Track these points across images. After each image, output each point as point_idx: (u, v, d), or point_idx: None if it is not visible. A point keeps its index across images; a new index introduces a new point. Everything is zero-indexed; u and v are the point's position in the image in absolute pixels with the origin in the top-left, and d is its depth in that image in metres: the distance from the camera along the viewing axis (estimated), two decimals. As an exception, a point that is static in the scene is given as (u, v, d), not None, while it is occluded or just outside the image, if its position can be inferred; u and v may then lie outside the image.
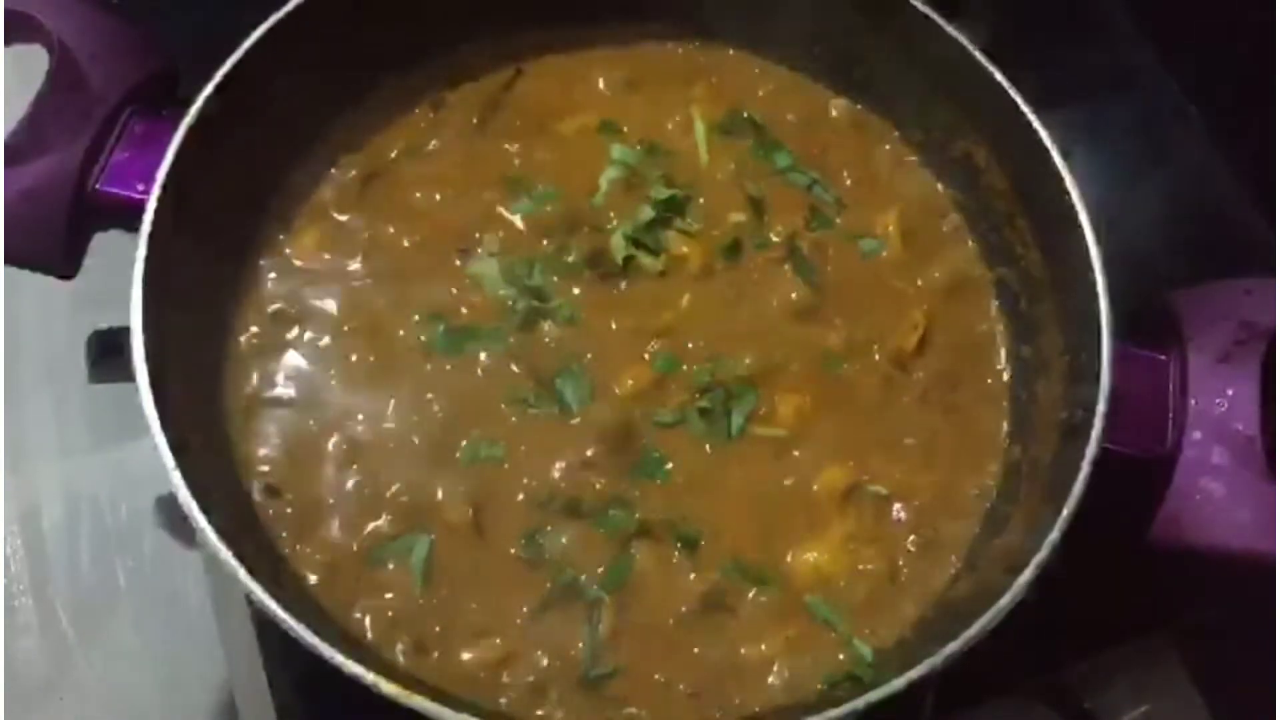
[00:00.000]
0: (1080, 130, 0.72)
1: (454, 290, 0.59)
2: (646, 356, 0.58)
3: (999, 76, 0.58)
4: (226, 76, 0.55)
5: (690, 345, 0.58)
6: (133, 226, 0.52)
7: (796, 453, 0.57)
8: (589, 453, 0.55)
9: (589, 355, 0.58)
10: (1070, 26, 0.82)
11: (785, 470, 0.56)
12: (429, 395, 0.56)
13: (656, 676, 0.52)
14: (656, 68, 0.67)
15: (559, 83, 0.66)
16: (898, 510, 0.56)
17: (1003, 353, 0.61)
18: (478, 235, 0.60)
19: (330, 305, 0.59)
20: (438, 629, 0.52)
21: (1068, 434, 0.54)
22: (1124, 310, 0.54)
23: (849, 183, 0.64)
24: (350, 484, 0.54)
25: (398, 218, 0.61)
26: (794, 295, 0.60)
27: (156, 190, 0.52)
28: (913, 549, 0.56)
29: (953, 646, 0.46)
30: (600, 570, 0.53)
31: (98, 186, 0.56)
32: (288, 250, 0.60)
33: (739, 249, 0.61)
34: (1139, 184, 0.79)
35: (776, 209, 0.63)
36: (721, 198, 0.63)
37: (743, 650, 0.53)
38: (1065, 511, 0.49)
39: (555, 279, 0.59)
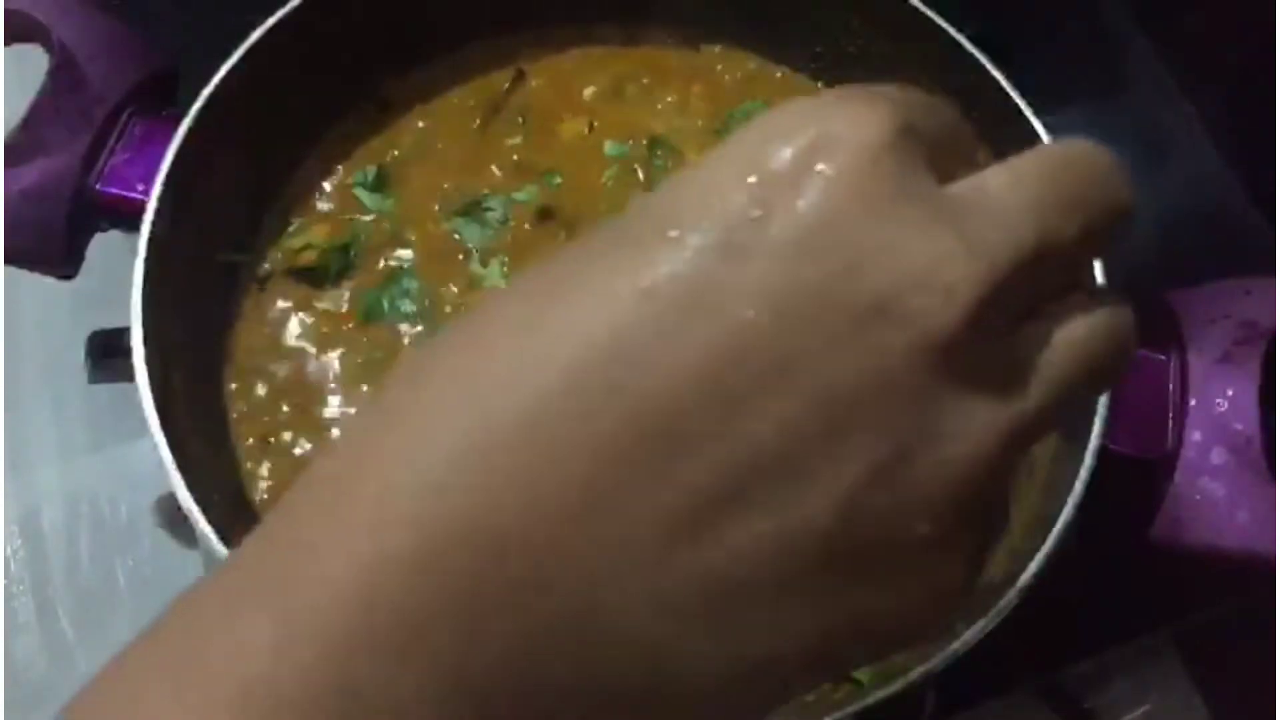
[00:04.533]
0: (1080, 130, 0.71)
1: (454, 288, 0.59)
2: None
3: (999, 76, 0.58)
4: (227, 77, 0.55)
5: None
6: (133, 226, 0.52)
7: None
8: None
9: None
10: (1070, 26, 0.82)
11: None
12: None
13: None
14: (657, 68, 0.67)
15: (561, 84, 0.66)
16: (898, 510, 0.56)
17: (1003, 353, 0.61)
18: (479, 237, 0.60)
19: (333, 304, 0.59)
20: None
21: (1068, 434, 0.54)
22: (1124, 310, 0.54)
23: (849, 183, 0.64)
24: (350, 484, 0.54)
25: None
26: (794, 295, 0.60)
27: (156, 190, 0.52)
28: (913, 549, 0.56)
29: (953, 647, 0.46)
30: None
31: (98, 187, 0.56)
32: (289, 250, 0.60)
33: (739, 249, 0.61)
34: (1139, 184, 0.78)
35: (776, 209, 0.63)
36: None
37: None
38: (1065, 512, 0.49)
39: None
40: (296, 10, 0.57)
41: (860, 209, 0.20)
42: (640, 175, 0.63)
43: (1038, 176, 0.24)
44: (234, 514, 0.52)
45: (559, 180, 0.62)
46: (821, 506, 0.20)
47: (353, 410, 0.56)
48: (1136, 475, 0.55)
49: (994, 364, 0.21)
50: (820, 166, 0.21)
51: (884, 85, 0.24)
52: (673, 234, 0.21)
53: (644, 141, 0.63)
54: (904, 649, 0.23)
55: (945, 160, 0.23)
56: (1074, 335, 0.23)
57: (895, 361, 0.20)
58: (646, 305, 0.20)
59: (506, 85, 0.65)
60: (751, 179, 0.21)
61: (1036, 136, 0.57)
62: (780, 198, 0.21)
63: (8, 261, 0.56)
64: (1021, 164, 0.24)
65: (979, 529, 0.22)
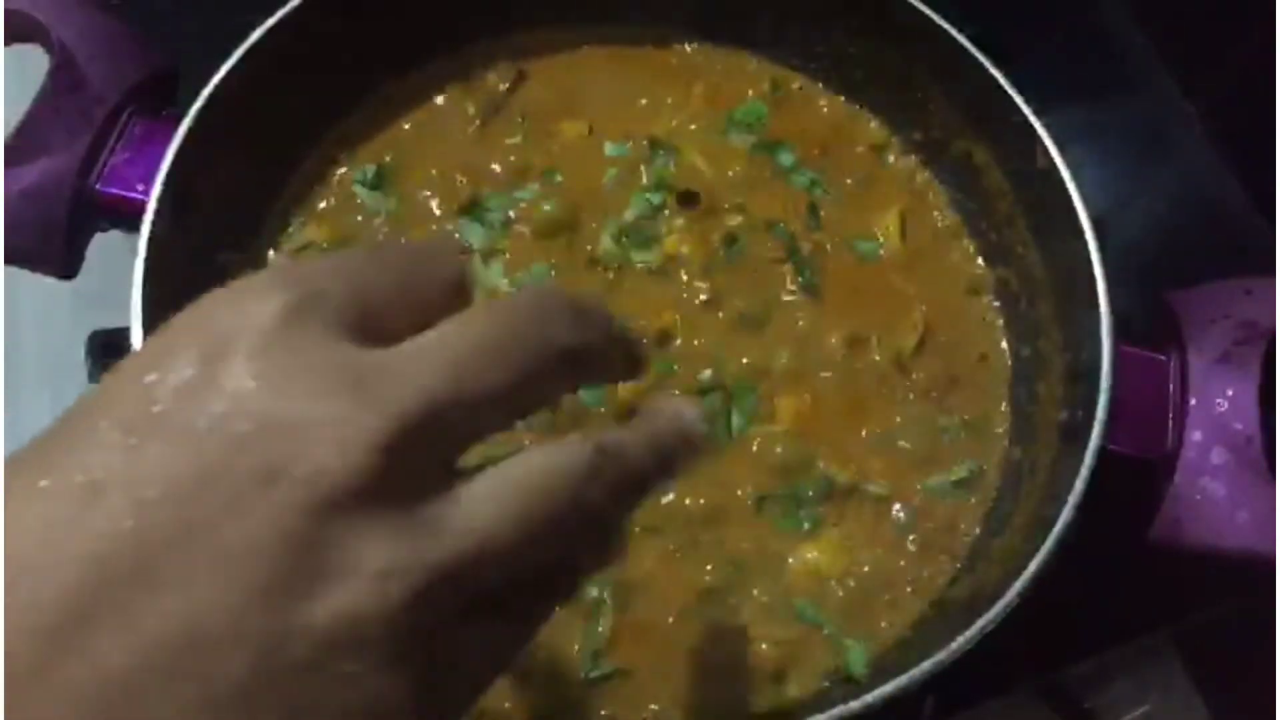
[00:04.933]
0: (1080, 130, 0.72)
1: (454, 290, 0.59)
2: (646, 356, 0.58)
3: (999, 76, 0.58)
4: (226, 77, 0.55)
5: (690, 345, 0.58)
6: (133, 226, 0.52)
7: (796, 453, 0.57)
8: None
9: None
10: (1070, 26, 0.82)
11: (784, 470, 0.56)
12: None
13: (655, 677, 0.52)
14: (658, 68, 0.67)
15: (561, 84, 0.66)
16: (897, 510, 0.56)
17: (1003, 353, 0.61)
18: (479, 237, 0.60)
19: (330, 305, 0.59)
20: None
21: (1068, 434, 0.54)
22: (1124, 310, 0.54)
23: (849, 183, 0.64)
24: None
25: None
26: (793, 295, 0.60)
27: (156, 190, 0.52)
28: (913, 549, 0.56)
29: (952, 647, 0.46)
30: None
31: (98, 187, 0.56)
32: (289, 251, 0.60)
33: (738, 249, 0.61)
34: (1139, 184, 0.79)
35: (776, 209, 0.63)
36: (721, 198, 0.63)
37: (742, 651, 0.53)
38: (1065, 511, 0.49)
39: (556, 278, 0.59)
40: (296, 10, 0.57)
41: (256, 385, 0.23)
42: (641, 175, 0.63)
43: (464, 329, 0.25)
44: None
45: (559, 180, 0.62)
46: (241, 664, 0.21)
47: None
48: (1136, 475, 0.55)
49: (409, 505, 0.23)
50: (218, 355, 0.23)
51: (297, 264, 0.24)
52: (87, 433, 0.22)
53: (644, 141, 0.63)
54: None
55: (393, 315, 0.25)
56: (511, 470, 0.25)
57: (288, 519, 0.22)
58: (46, 505, 0.22)
59: (506, 85, 0.65)
60: (151, 377, 0.23)
61: (1036, 136, 0.57)
62: (179, 388, 0.23)
63: (8, 261, 0.56)
64: (459, 318, 0.25)
65: (416, 658, 0.23)
